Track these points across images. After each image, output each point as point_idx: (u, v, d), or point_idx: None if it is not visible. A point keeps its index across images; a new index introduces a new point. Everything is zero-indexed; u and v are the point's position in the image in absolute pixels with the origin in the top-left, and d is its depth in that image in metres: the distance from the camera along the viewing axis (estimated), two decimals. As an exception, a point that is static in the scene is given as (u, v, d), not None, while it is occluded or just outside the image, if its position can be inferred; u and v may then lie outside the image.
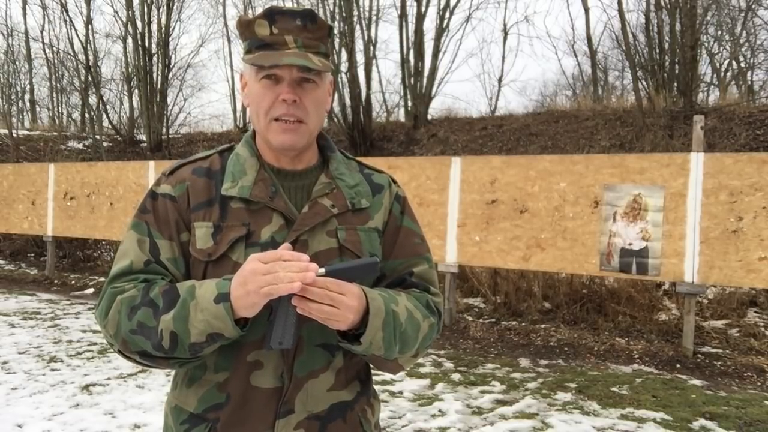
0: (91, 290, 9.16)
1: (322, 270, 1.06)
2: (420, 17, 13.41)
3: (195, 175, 1.23)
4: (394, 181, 1.38)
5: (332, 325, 1.09)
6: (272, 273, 1.02)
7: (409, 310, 1.20)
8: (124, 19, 16.23)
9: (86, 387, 4.58)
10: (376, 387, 3.06)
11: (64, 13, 16.42)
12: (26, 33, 20.06)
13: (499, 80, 16.94)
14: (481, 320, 7.07)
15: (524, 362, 5.57)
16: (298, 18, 1.17)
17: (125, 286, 1.16)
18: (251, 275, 1.03)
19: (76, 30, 19.99)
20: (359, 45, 13.24)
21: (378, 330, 1.12)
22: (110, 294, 1.16)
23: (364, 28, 13.33)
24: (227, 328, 1.06)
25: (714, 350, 5.84)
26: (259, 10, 1.35)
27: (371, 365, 1.28)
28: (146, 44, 15.42)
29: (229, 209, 1.19)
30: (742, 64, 16.86)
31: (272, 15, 1.17)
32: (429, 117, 13.42)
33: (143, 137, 16.02)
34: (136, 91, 16.72)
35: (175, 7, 16.26)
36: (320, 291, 1.05)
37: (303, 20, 1.18)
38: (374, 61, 13.56)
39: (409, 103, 13.66)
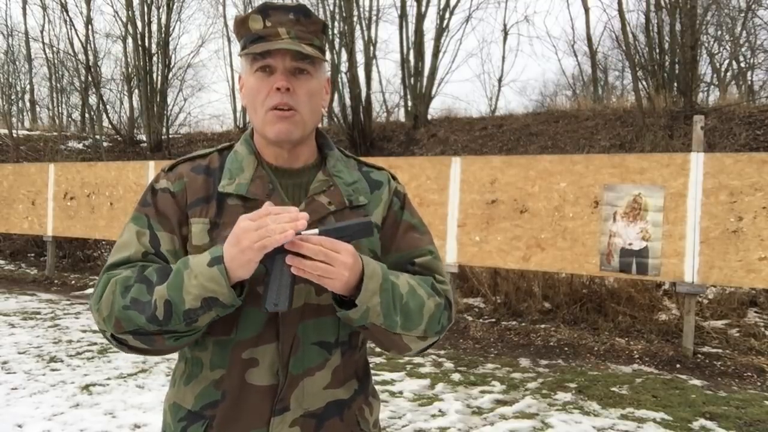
0: (91, 290, 9.16)
1: (316, 230, 1.06)
2: (420, 17, 13.41)
3: (193, 172, 1.24)
4: (394, 177, 1.37)
5: (327, 284, 1.08)
6: (264, 227, 1.02)
7: (411, 285, 1.19)
8: (124, 19, 16.25)
9: (86, 387, 4.58)
10: (376, 387, 3.05)
11: (64, 13, 16.44)
12: (26, 33, 20.09)
13: (499, 80, 17.04)
14: (481, 320, 7.07)
15: (524, 362, 5.57)
16: (291, 12, 1.19)
17: (121, 271, 1.15)
18: (243, 233, 1.03)
19: (76, 30, 20.02)
20: (359, 45, 13.27)
21: (375, 293, 1.10)
22: (105, 279, 1.15)
23: (364, 28, 13.35)
24: (222, 291, 1.05)
25: (714, 350, 5.84)
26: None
27: (378, 344, 1.24)
28: (146, 44, 15.42)
29: (226, 206, 1.20)
30: (742, 64, 16.88)
31: (266, 10, 1.19)
32: (429, 117, 13.41)
33: (143, 137, 16.01)
34: (136, 91, 16.73)
35: (175, 7, 16.27)
36: (315, 247, 1.04)
37: (296, 14, 1.19)
38: (374, 61, 13.57)
39: (409, 103, 13.66)
